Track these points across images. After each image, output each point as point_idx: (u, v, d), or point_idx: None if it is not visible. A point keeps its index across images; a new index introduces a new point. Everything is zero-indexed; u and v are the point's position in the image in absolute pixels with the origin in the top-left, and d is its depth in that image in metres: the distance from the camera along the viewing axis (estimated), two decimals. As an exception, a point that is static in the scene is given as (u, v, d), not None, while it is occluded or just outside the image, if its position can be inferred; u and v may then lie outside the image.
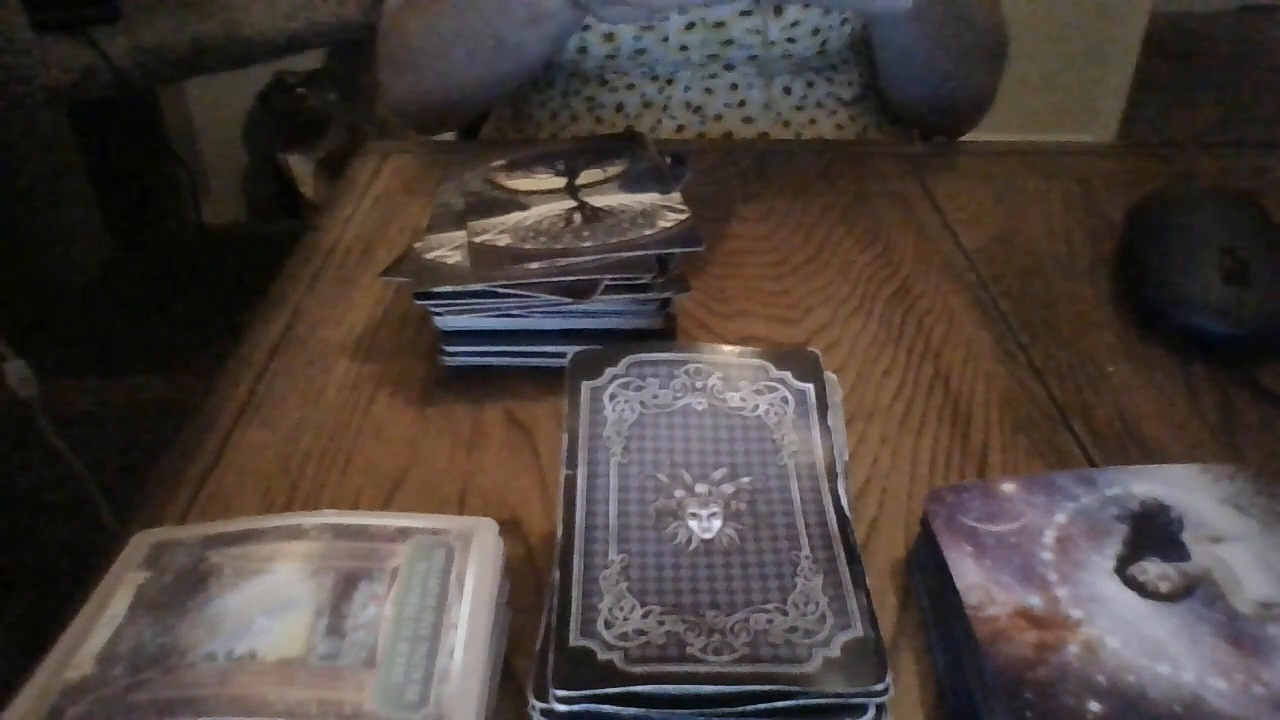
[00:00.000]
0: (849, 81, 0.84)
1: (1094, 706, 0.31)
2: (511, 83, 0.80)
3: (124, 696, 0.31)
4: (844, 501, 0.38)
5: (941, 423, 0.49)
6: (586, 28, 0.77)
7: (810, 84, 0.82)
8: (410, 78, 0.80)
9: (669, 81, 0.81)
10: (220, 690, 0.31)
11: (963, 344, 0.55)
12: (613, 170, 0.60)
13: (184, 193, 2.05)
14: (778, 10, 0.76)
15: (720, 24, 0.77)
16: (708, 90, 0.81)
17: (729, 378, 0.42)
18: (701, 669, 0.32)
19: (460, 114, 0.85)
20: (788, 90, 0.82)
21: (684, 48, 0.78)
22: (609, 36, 0.77)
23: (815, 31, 0.77)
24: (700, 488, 0.38)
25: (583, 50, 0.79)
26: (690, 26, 0.77)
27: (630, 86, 0.82)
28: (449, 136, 0.88)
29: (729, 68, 0.80)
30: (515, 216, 0.56)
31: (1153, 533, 0.37)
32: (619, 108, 0.82)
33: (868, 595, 0.34)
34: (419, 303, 0.51)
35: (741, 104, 0.81)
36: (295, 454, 0.48)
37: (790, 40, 0.78)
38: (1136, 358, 0.54)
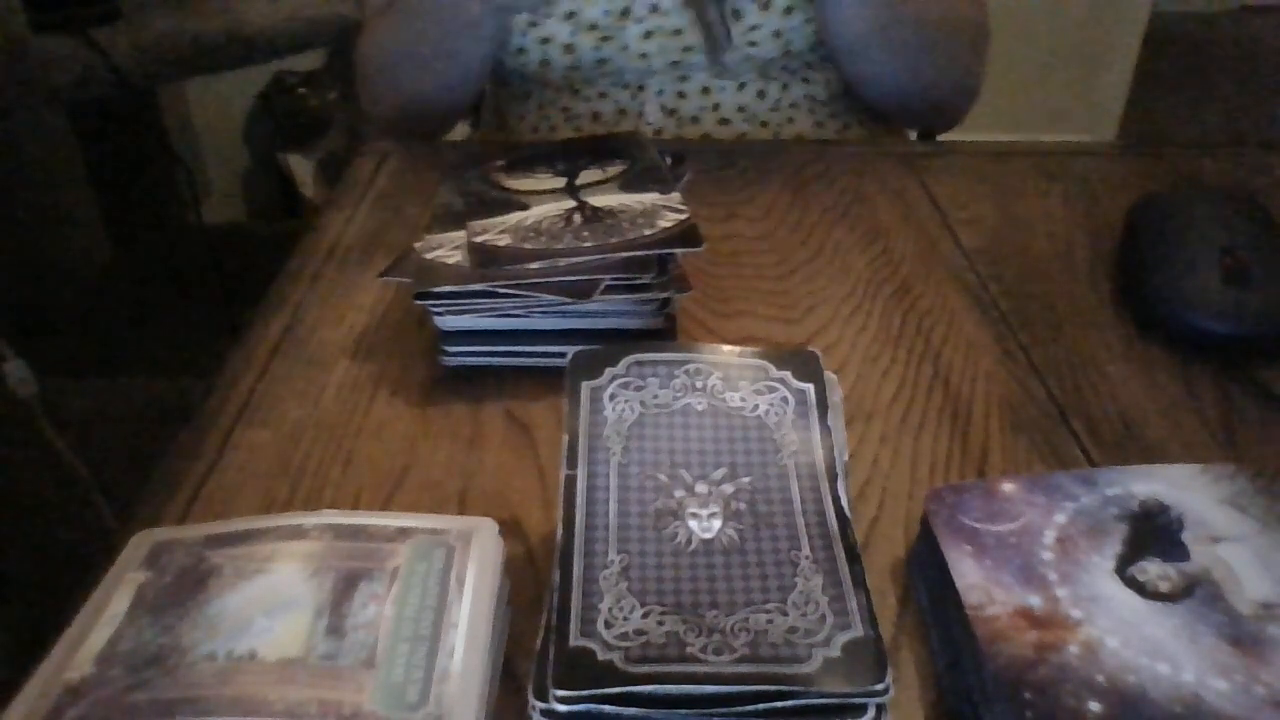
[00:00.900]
0: (825, 81, 0.84)
1: (1094, 706, 0.31)
2: (465, 88, 0.81)
3: (124, 697, 0.31)
4: (844, 501, 0.38)
5: (941, 423, 0.49)
6: (546, 41, 0.78)
7: (785, 86, 0.82)
8: (373, 92, 0.84)
9: (640, 88, 0.81)
10: (220, 690, 0.31)
11: (963, 344, 0.55)
12: (613, 170, 0.60)
13: (184, 193, 2.05)
14: (736, 14, 0.76)
15: (678, 31, 0.77)
16: (680, 94, 0.81)
17: (729, 378, 0.42)
18: (701, 669, 0.32)
19: (428, 121, 0.85)
20: (761, 94, 0.82)
21: (644, 55, 0.78)
22: (569, 48, 0.78)
23: (777, 34, 0.77)
24: (700, 488, 0.38)
25: (545, 63, 0.80)
26: (648, 35, 0.77)
27: (603, 95, 0.82)
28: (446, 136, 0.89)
29: (698, 69, 0.80)
30: (515, 216, 0.56)
31: (1153, 533, 0.37)
32: (595, 116, 0.83)
33: (868, 595, 0.34)
34: (419, 303, 0.51)
35: (716, 107, 0.82)
36: (295, 454, 0.48)
37: (751, 44, 0.78)
38: (1136, 358, 0.54)
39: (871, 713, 0.31)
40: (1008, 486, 0.39)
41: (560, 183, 0.60)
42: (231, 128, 2.23)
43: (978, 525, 0.37)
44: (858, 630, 0.33)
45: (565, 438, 0.40)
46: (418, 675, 0.32)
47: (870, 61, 0.79)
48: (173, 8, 1.53)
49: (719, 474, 0.39)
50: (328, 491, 0.45)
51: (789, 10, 0.77)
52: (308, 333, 0.56)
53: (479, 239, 0.54)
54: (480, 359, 0.53)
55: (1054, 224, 0.66)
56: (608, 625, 0.33)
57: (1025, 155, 0.75)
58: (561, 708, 0.31)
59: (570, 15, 0.77)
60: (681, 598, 0.34)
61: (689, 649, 0.32)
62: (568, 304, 0.50)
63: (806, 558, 0.35)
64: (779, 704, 0.31)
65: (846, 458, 0.41)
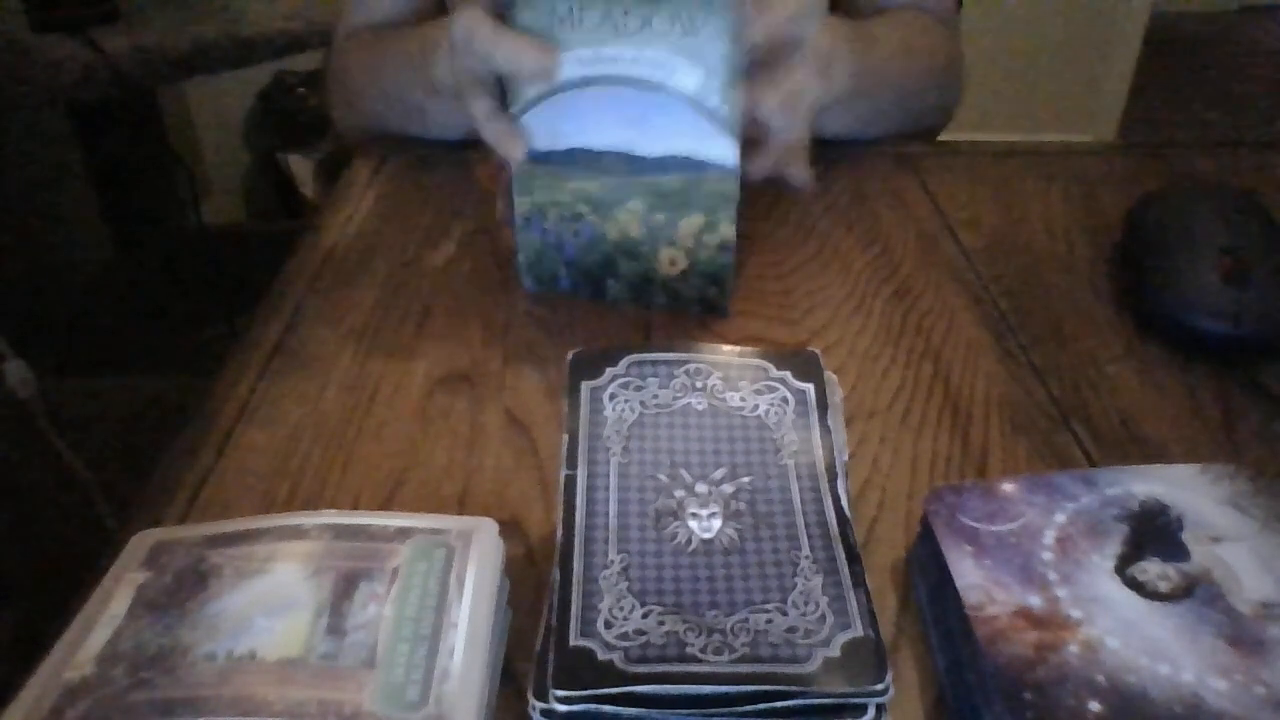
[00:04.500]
0: None
1: (1094, 706, 0.31)
2: (440, 135, 0.74)
3: (124, 697, 0.31)
4: (844, 501, 0.38)
5: (941, 423, 0.49)
6: None
7: None
8: (344, 112, 0.83)
9: None
10: (220, 690, 0.31)
11: (963, 344, 0.55)
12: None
13: (184, 193, 2.05)
14: None
15: None
16: None
17: (729, 378, 0.42)
18: (701, 669, 0.32)
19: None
20: None
21: None
22: None
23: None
24: (700, 488, 0.38)
25: None
26: None
27: None
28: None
29: None
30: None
31: (1153, 533, 0.37)
32: None
33: (868, 595, 0.34)
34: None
35: None
36: (295, 454, 0.48)
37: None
38: (1136, 358, 0.54)
39: (871, 713, 0.31)
40: (1008, 486, 0.39)
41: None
42: (231, 128, 2.23)
43: (978, 525, 0.37)
44: (858, 630, 0.33)
45: (565, 438, 0.40)
46: (418, 675, 0.32)
47: (835, 122, 0.72)
48: (172, 8, 1.53)
49: (719, 474, 0.39)
50: (328, 491, 0.45)
51: None
52: (308, 333, 0.56)
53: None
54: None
55: (1054, 224, 0.66)
56: (608, 625, 0.33)
57: (1025, 155, 0.76)
58: (561, 708, 0.31)
59: None
60: (681, 598, 0.34)
61: (689, 649, 0.32)
62: None
63: (806, 558, 0.35)
64: (779, 704, 0.31)
65: (846, 458, 0.41)
